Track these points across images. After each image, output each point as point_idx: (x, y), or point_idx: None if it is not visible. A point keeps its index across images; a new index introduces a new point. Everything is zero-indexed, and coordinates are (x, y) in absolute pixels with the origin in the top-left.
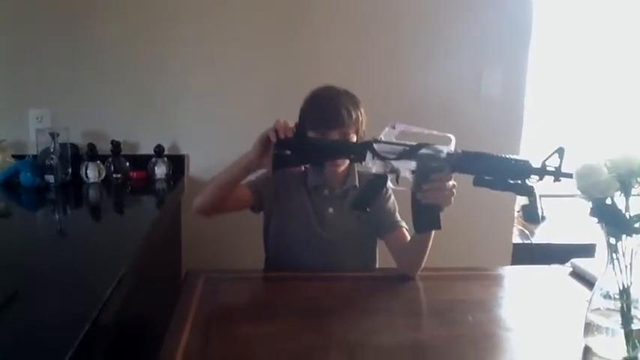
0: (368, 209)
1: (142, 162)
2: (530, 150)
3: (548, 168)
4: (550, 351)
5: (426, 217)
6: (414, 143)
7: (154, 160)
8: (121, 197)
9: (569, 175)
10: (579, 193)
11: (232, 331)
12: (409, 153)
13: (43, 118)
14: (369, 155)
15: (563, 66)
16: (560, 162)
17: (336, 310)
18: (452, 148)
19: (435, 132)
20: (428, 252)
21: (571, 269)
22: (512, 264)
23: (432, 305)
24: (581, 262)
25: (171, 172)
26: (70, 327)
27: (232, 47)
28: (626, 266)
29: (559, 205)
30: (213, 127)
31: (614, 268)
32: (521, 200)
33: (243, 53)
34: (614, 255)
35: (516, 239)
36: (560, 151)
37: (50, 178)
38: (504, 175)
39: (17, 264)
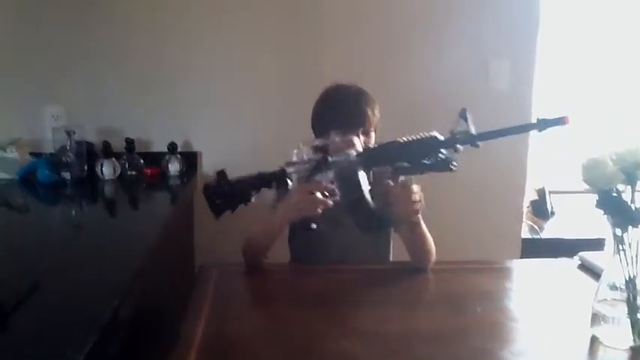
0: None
1: (156, 159)
2: (540, 144)
3: (457, 136)
4: (557, 340)
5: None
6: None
7: (167, 157)
8: (135, 193)
9: (483, 137)
10: (586, 186)
11: (246, 320)
12: (319, 165)
13: (59, 115)
14: (290, 181)
15: (571, 57)
16: (467, 125)
17: (349, 301)
18: (359, 148)
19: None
20: (428, 245)
21: (579, 262)
22: (521, 257)
23: (443, 296)
24: (589, 255)
25: (184, 168)
26: (87, 319)
27: (246, 45)
28: (632, 257)
29: (568, 201)
30: (225, 124)
31: (620, 259)
32: (531, 196)
33: (257, 51)
34: (620, 246)
35: (526, 234)
36: (463, 114)
37: (67, 175)
38: (416, 156)
39: (35, 257)
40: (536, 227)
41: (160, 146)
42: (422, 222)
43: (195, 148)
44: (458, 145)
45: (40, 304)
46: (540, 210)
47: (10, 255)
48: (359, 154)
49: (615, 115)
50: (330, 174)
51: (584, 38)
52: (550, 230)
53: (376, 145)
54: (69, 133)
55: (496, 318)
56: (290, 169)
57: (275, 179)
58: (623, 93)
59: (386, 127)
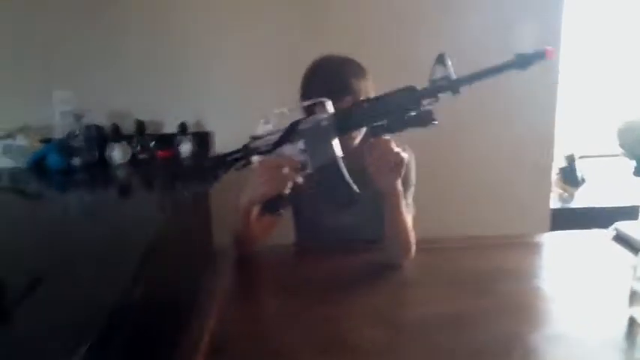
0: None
1: (167, 140)
2: (567, 117)
3: (438, 83)
4: (593, 322)
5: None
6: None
7: (178, 138)
8: (147, 177)
9: (466, 80)
10: (621, 151)
11: (260, 305)
12: (287, 135)
13: (68, 100)
14: (255, 157)
15: (599, 16)
16: (447, 69)
17: (368, 283)
18: (329, 110)
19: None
20: (402, 234)
21: (614, 233)
22: (551, 230)
23: (467, 275)
24: (625, 226)
25: (196, 149)
26: (97, 304)
27: (257, 23)
28: None
29: (600, 166)
30: (237, 103)
31: None
32: (559, 163)
33: (269, 28)
34: None
35: (555, 204)
36: (440, 58)
37: (76, 161)
38: (395, 113)
39: (44, 246)
40: (566, 196)
41: (172, 127)
42: (402, 202)
43: (208, 127)
44: (438, 94)
45: (49, 294)
46: (570, 177)
47: (18, 245)
48: (330, 116)
49: None
50: (300, 144)
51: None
52: (581, 199)
53: (349, 106)
54: (77, 118)
55: (524, 298)
56: (254, 144)
57: (243, 157)
58: None
59: None
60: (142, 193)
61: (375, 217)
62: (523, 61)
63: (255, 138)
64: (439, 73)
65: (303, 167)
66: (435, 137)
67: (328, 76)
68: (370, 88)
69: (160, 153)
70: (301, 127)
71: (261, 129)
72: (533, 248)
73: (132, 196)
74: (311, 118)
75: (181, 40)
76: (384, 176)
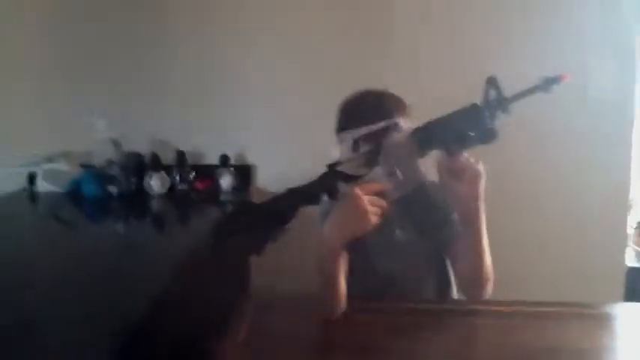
0: None
1: (207, 172)
2: None
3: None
4: None
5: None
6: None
7: (219, 170)
8: (185, 209)
9: (516, 97)
10: None
11: None
12: (374, 155)
13: (108, 126)
14: (340, 185)
15: None
16: (498, 90)
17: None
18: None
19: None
20: (484, 260)
21: None
22: (625, 295)
23: (509, 354)
24: None
25: (237, 183)
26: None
27: (304, 49)
28: None
29: None
30: (281, 136)
31: None
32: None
33: (314, 56)
34: None
35: (632, 262)
36: (491, 80)
37: (113, 189)
38: (464, 129)
39: (71, 276)
40: None
41: (212, 159)
42: (484, 226)
43: (250, 160)
44: (497, 112)
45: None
46: None
47: (38, 275)
48: (413, 132)
49: None
50: (379, 169)
51: None
52: None
53: (422, 125)
54: (116, 144)
55: None
56: (339, 169)
57: (322, 187)
58: None
59: None
60: (177, 228)
61: (422, 267)
62: (547, 83)
63: (333, 165)
64: (492, 95)
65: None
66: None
67: (371, 109)
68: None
69: (199, 184)
70: (387, 146)
71: (339, 152)
72: (603, 322)
73: (166, 227)
74: (394, 137)
75: (228, 71)
76: (467, 192)
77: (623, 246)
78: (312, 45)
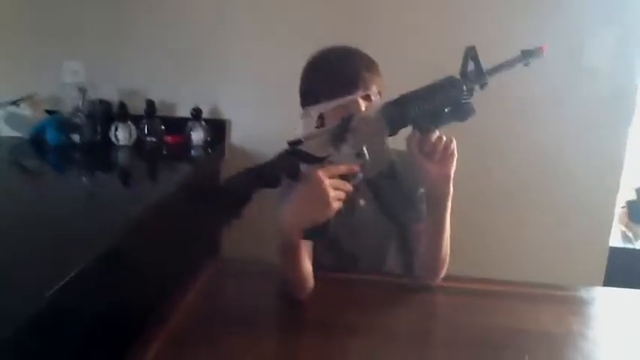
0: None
1: (179, 125)
2: None
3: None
4: None
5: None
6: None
7: (190, 123)
8: (152, 162)
9: (494, 70)
10: None
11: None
12: (341, 133)
13: (78, 72)
14: (302, 166)
15: None
16: (477, 63)
17: (357, 331)
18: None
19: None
20: (445, 246)
21: None
22: (607, 275)
23: (478, 334)
24: None
25: (209, 138)
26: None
27: (280, 7)
28: None
29: None
30: (258, 90)
31: None
32: (626, 194)
33: (293, 14)
34: None
35: (617, 242)
36: (469, 51)
37: (76, 138)
38: (440, 105)
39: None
40: (630, 235)
41: (185, 111)
42: (449, 210)
43: (225, 115)
44: (474, 86)
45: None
46: (637, 213)
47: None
48: (383, 108)
49: None
50: (347, 148)
51: None
52: None
53: (393, 99)
54: (82, 91)
55: None
56: (301, 147)
57: (287, 168)
58: None
59: None
60: (140, 180)
61: (386, 242)
62: (525, 56)
63: (295, 143)
64: (470, 67)
65: (353, 174)
66: (478, 149)
67: (334, 68)
68: (382, 86)
69: (169, 138)
70: (354, 123)
71: (302, 129)
72: (577, 306)
73: (128, 181)
74: (362, 113)
75: (202, 20)
76: (438, 172)
77: (608, 225)
78: (289, 4)
